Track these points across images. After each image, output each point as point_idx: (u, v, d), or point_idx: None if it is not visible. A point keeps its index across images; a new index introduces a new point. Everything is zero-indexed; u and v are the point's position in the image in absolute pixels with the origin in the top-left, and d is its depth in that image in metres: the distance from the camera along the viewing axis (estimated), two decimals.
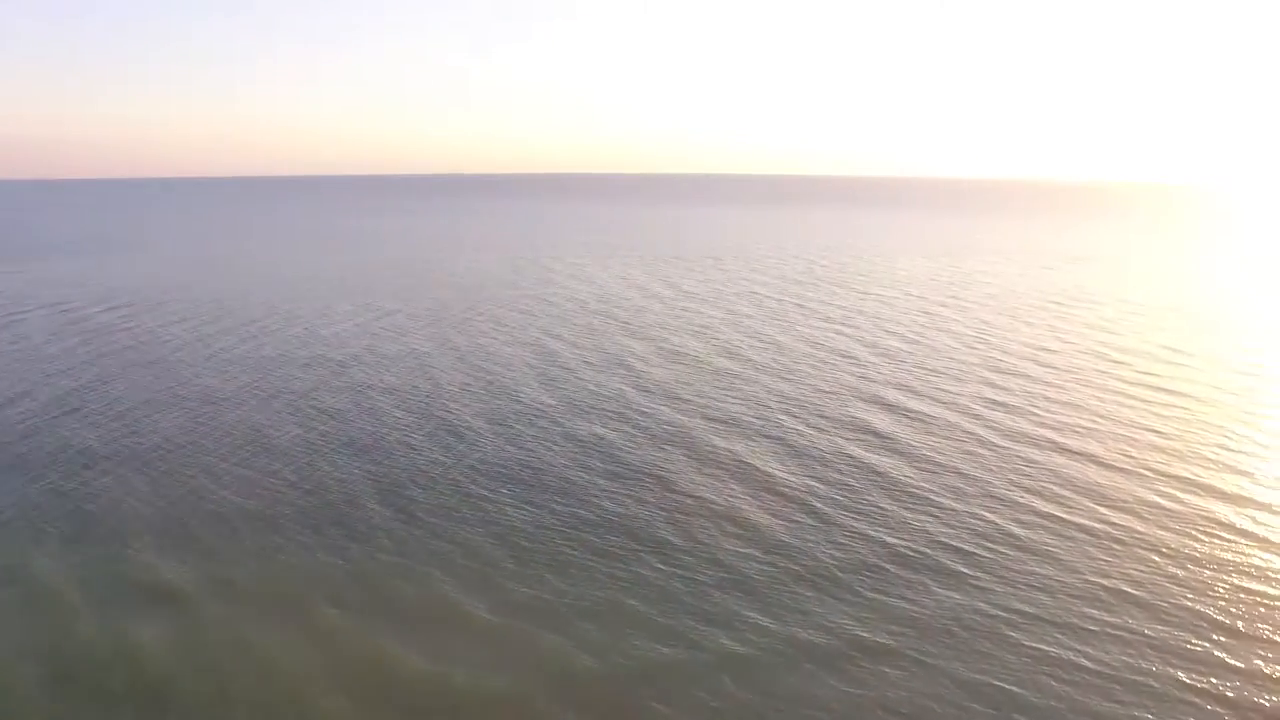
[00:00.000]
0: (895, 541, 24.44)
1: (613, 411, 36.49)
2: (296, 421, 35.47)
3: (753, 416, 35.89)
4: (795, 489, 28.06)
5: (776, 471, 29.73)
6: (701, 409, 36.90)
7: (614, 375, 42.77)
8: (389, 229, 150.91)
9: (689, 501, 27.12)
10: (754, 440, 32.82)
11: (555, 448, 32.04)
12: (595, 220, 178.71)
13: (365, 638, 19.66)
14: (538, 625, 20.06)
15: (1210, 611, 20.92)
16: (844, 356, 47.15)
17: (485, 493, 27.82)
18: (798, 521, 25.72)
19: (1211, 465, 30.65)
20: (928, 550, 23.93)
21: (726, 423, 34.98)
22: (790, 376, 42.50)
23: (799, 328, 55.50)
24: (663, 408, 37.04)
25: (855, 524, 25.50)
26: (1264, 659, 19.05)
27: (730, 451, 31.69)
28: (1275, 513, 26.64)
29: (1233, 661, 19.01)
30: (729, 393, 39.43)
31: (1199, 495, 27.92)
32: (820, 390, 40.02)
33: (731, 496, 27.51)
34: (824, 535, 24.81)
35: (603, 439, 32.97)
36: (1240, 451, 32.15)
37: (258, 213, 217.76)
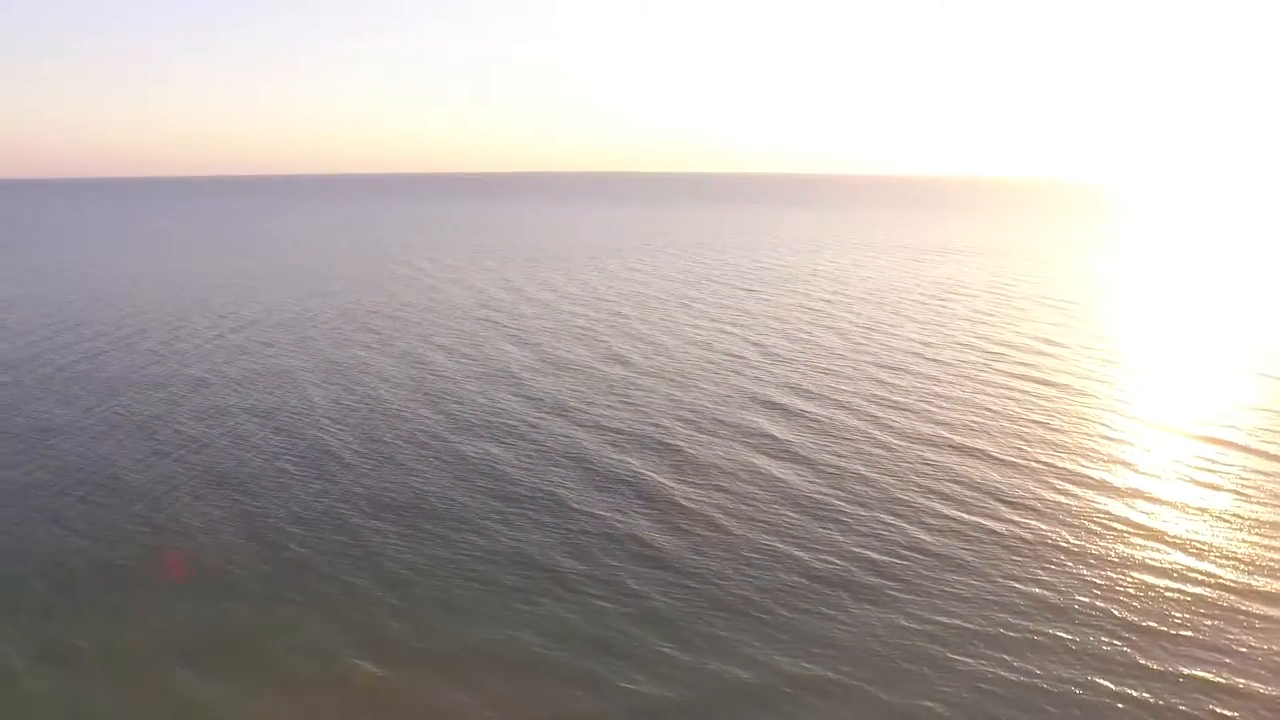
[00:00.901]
0: (805, 556, 23.48)
1: (500, 427, 34.53)
2: (148, 451, 32.03)
3: (646, 426, 34.57)
4: (698, 504, 26.84)
5: (677, 486, 28.44)
6: (593, 421, 35.35)
7: (499, 387, 40.74)
8: (271, 231, 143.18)
9: (588, 523, 25.51)
10: (651, 453, 31.48)
11: (441, 470, 29.87)
12: (496, 221, 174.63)
13: (228, 704, 17.22)
14: (431, 679, 18.04)
15: (1121, 612, 20.72)
16: (733, 358, 46.45)
17: (366, 524, 25.47)
18: (704, 539, 24.47)
19: (1098, 458, 31.09)
20: (839, 564, 23.07)
21: (620, 434, 33.55)
22: (681, 381, 41.42)
23: (685, 329, 54.60)
24: (553, 421, 35.30)
25: (764, 539, 24.44)
26: (1177, 657, 18.86)
27: (627, 466, 30.25)
28: (1161, 503, 27.02)
29: (1148, 663, 18.72)
30: (620, 401, 38.02)
31: (1091, 489, 28.14)
32: (712, 395, 39.07)
33: (633, 516, 26.05)
34: (733, 554, 23.63)
35: (491, 458, 30.98)
36: (1121, 441, 32.83)
37: (151, 214, 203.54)
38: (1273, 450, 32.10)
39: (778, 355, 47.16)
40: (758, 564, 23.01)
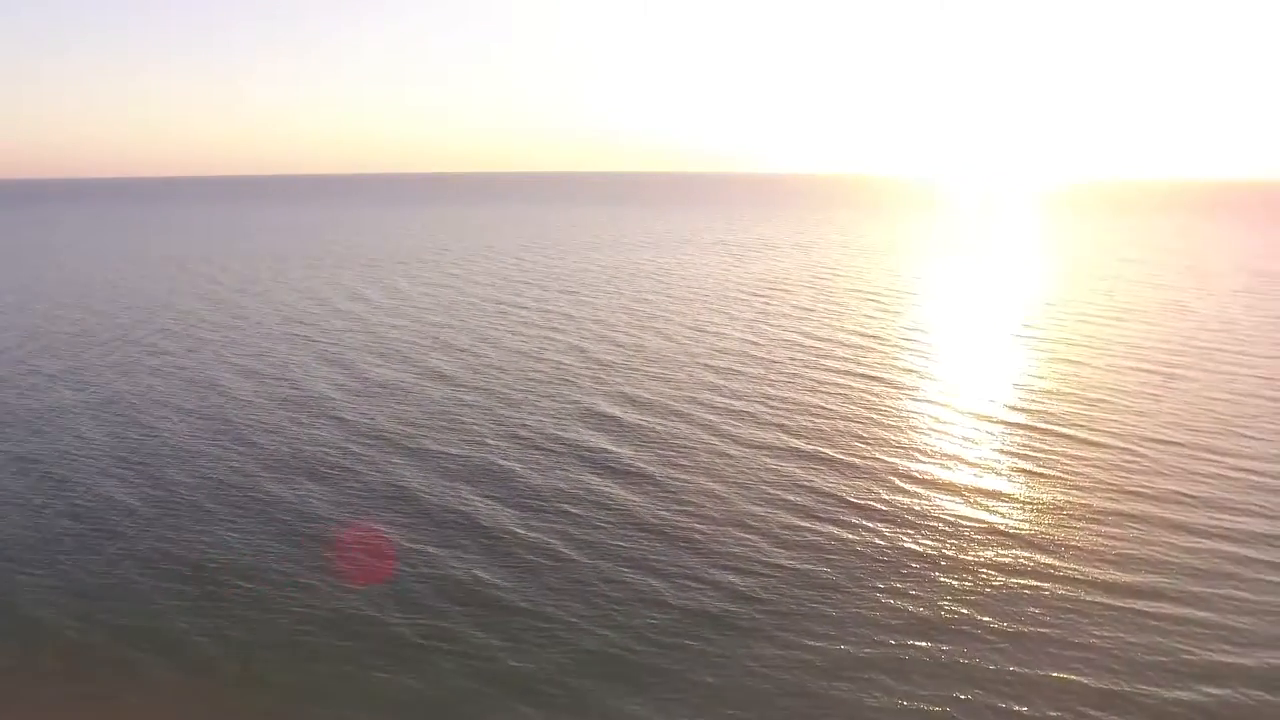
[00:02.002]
0: (661, 585, 21.94)
1: (312, 460, 31.09)
2: None
3: (476, 450, 32.08)
4: (540, 534, 24.77)
5: (515, 515, 26.27)
6: (417, 447, 32.54)
7: (309, 413, 36.99)
8: (53, 241, 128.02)
9: (421, 568, 22.91)
10: (483, 479, 29.03)
11: (244, 516, 26.29)
12: (337, 222, 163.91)
13: None
14: None
15: (983, 616, 20.36)
16: (560, 367, 44.50)
17: (156, 588, 21.78)
18: (550, 576, 22.45)
19: (933, 454, 31.38)
20: (698, 590, 21.67)
21: (447, 460, 30.93)
22: (507, 397, 39.01)
23: (507, 338, 52.11)
24: (372, 450, 32.14)
25: (615, 570, 22.70)
26: (1041, 658, 18.58)
27: (458, 496, 27.77)
28: (999, 497, 27.34)
29: (1023, 670, 18.35)
30: (445, 424, 35.26)
31: (932, 489, 28.19)
32: (542, 410, 36.97)
33: (470, 554, 23.66)
34: (583, 589, 21.75)
35: (303, 497, 27.66)
36: (951, 435, 33.38)
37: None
38: (1089, 436, 33.48)
39: (606, 362, 45.63)
40: (612, 599, 21.24)
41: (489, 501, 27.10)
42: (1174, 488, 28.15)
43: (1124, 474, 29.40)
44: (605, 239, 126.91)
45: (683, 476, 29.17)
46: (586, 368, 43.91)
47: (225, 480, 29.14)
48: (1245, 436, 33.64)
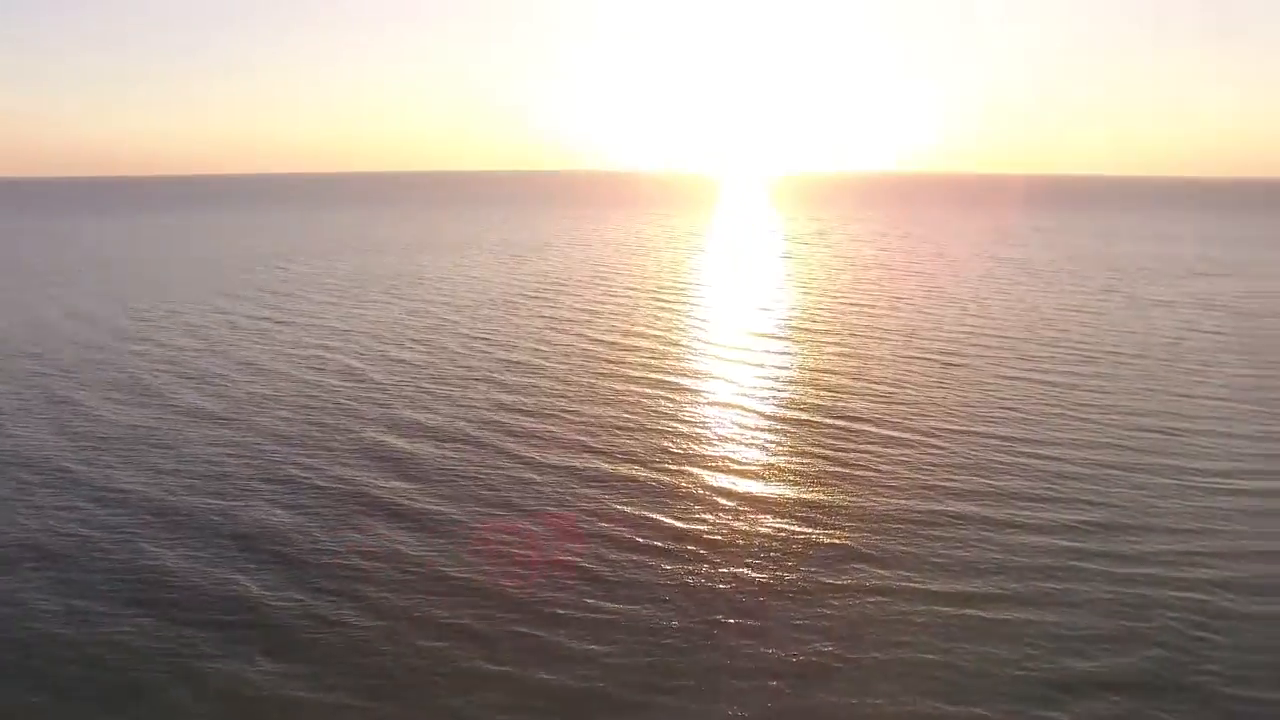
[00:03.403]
0: (480, 629, 18.98)
1: (69, 490, 25.29)
2: None
3: (235, 504, 27.40)
4: (332, 608, 20.95)
5: (294, 550, 22.61)
6: (185, 477, 27.58)
7: (61, 439, 30.49)
8: None
9: (178, 635, 18.60)
10: (250, 546, 24.58)
11: None
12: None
13: None
14: None
15: (831, 625, 18.89)
16: (331, 392, 39.65)
17: None
18: (345, 664, 18.84)
19: (743, 466, 30.13)
20: (524, 622, 18.95)
21: (217, 484, 26.19)
22: (273, 432, 33.88)
23: (272, 360, 46.36)
24: (112, 521, 26.67)
25: (430, 647, 19.38)
26: (881, 679, 17.29)
27: (231, 528, 23.52)
28: (822, 510, 26.33)
29: (857, 698, 16.95)
30: (198, 473, 30.00)
31: (751, 506, 26.82)
32: (315, 446, 32.43)
33: (243, 646, 19.54)
34: (383, 683, 18.34)
35: (59, 547, 22.19)
36: (759, 443, 32.34)
37: None
38: (891, 431, 33.46)
39: (384, 383, 41.16)
40: (407, 683, 17.98)
41: (266, 528, 22.82)
42: (984, 481, 28.29)
43: (929, 469, 29.34)
44: (384, 242, 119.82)
45: (485, 494, 26.27)
46: (364, 392, 39.44)
47: None
48: (1032, 422, 34.85)
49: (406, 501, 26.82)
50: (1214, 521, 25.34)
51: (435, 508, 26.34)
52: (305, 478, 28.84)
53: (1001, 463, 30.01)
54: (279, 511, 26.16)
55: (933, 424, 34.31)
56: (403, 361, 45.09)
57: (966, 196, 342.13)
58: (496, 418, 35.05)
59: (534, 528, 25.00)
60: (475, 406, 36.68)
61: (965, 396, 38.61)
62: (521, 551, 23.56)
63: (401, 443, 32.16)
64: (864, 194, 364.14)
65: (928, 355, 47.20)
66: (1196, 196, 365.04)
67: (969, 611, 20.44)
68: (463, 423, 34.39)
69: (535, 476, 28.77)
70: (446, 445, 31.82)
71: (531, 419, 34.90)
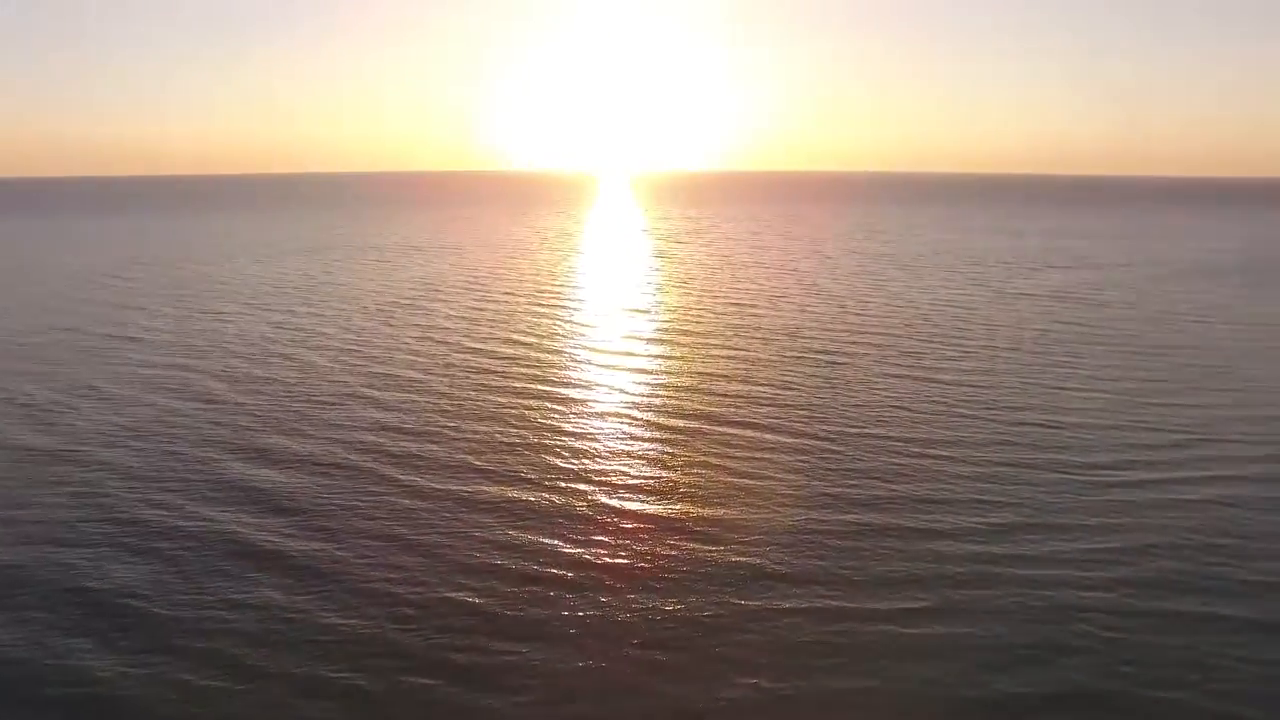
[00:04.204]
0: (365, 686, 16.92)
1: None
2: None
3: (95, 521, 24.40)
4: (186, 639, 18.43)
5: (147, 607, 20.02)
6: (12, 527, 24.14)
7: None
8: None
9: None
10: (106, 560, 21.67)
11: None
12: None
13: None
14: None
15: (750, 655, 17.72)
16: (187, 416, 36.17)
17: None
18: (210, 698, 16.48)
19: (642, 485, 28.83)
20: (413, 672, 16.99)
21: (51, 532, 22.98)
22: (117, 467, 30.30)
23: (115, 384, 42.03)
24: None
25: (288, 671, 17.19)
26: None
27: (71, 584, 20.57)
28: (729, 528, 25.26)
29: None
30: (49, 491, 26.54)
31: (649, 518, 25.51)
32: (171, 479, 29.27)
33: (86, 675, 16.88)
34: (262, 707, 16.11)
35: None
36: (656, 456, 31.12)
37: None
38: (790, 439, 32.79)
39: (248, 405, 37.85)
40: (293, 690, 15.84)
41: (113, 636, 19.95)
42: (885, 487, 27.83)
43: (829, 476, 28.71)
44: (250, 246, 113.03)
45: (363, 525, 23.94)
46: (225, 416, 36.08)
47: None
48: (922, 422, 34.84)
49: (277, 541, 24.26)
50: (1110, 516, 25.56)
51: (310, 546, 23.91)
52: (159, 519, 25.77)
53: (899, 467, 29.69)
54: (129, 561, 23.17)
55: (826, 428, 33.86)
56: (268, 380, 41.77)
57: (813, 192, 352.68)
58: (374, 440, 32.57)
59: (420, 562, 22.95)
60: (350, 428, 34.06)
61: (854, 397, 38.45)
62: (407, 591, 21.51)
63: (269, 474, 29.35)
64: (724, 191, 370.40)
65: (813, 354, 47.13)
66: (993, 191, 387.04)
67: (890, 629, 19.68)
68: (337, 448, 31.79)
69: (419, 504, 26.63)
70: (319, 474, 29.22)
71: (412, 440, 32.61)
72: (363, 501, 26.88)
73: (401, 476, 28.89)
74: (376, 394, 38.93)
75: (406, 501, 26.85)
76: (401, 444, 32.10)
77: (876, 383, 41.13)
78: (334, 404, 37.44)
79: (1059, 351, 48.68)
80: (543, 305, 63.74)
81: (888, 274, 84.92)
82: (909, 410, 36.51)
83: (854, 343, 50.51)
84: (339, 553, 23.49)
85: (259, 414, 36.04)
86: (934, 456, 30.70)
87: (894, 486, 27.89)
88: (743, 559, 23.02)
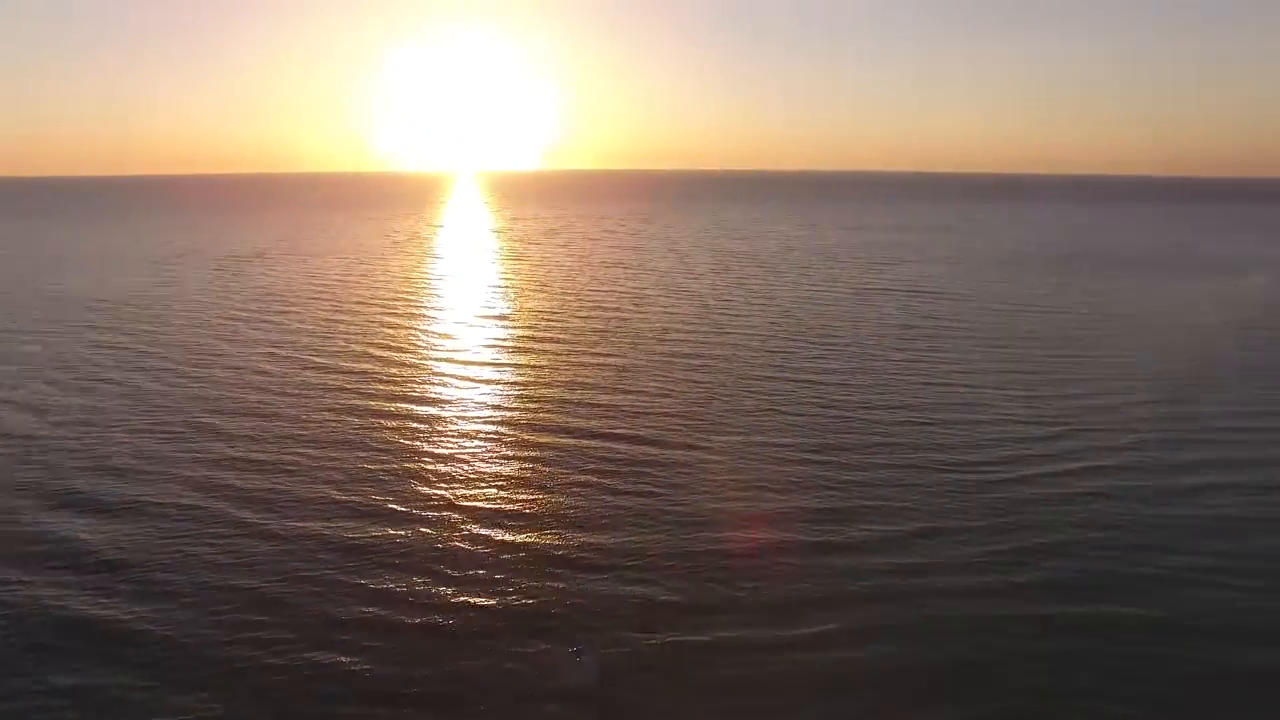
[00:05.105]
0: None
1: None
2: None
3: None
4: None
5: None
6: None
7: None
8: None
9: None
10: None
11: None
12: None
13: None
14: None
15: (657, 701, 16.25)
16: (13, 437, 31.82)
17: None
18: None
19: (519, 510, 26.96)
20: None
21: None
22: None
23: None
24: None
25: None
26: None
27: None
28: (613, 553, 23.75)
29: None
30: None
31: (535, 554, 23.69)
32: None
33: None
34: None
35: None
36: (535, 464, 29.28)
37: None
38: (680, 455, 31.57)
39: (68, 443, 33.58)
40: None
41: None
42: (776, 498, 26.94)
43: (715, 491, 27.61)
44: (71, 258, 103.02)
45: (208, 614, 21.00)
46: (36, 453, 31.67)
47: None
48: (801, 428, 34.33)
49: (102, 609, 21.03)
50: (998, 517, 25.51)
51: (142, 611, 20.82)
52: None
53: (784, 476, 28.93)
54: None
55: (705, 438, 32.84)
56: (90, 411, 37.20)
57: (653, 191, 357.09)
58: (217, 477, 29.21)
59: (277, 620, 20.35)
60: (189, 464, 30.51)
61: (728, 403, 37.65)
62: (265, 656, 18.94)
63: (91, 524, 25.65)
64: (570, 190, 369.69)
65: (683, 358, 46.22)
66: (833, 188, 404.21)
67: (802, 658, 18.66)
68: (174, 488, 28.34)
69: (273, 550, 23.83)
70: (153, 522, 25.81)
71: (261, 474, 29.46)
72: (206, 551, 23.83)
73: (252, 518, 25.89)
74: (219, 423, 35.24)
75: (259, 547, 24.00)
76: (250, 480, 28.95)
77: (749, 386, 40.54)
78: (170, 436, 33.60)
79: (921, 346, 49.63)
80: (399, 315, 60.43)
81: (746, 271, 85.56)
82: (785, 414, 36.00)
83: (722, 344, 49.99)
84: (179, 616, 20.55)
85: (78, 451, 31.84)
86: (818, 463, 30.13)
87: (783, 499, 27.07)
88: (634, 589, 21.54)
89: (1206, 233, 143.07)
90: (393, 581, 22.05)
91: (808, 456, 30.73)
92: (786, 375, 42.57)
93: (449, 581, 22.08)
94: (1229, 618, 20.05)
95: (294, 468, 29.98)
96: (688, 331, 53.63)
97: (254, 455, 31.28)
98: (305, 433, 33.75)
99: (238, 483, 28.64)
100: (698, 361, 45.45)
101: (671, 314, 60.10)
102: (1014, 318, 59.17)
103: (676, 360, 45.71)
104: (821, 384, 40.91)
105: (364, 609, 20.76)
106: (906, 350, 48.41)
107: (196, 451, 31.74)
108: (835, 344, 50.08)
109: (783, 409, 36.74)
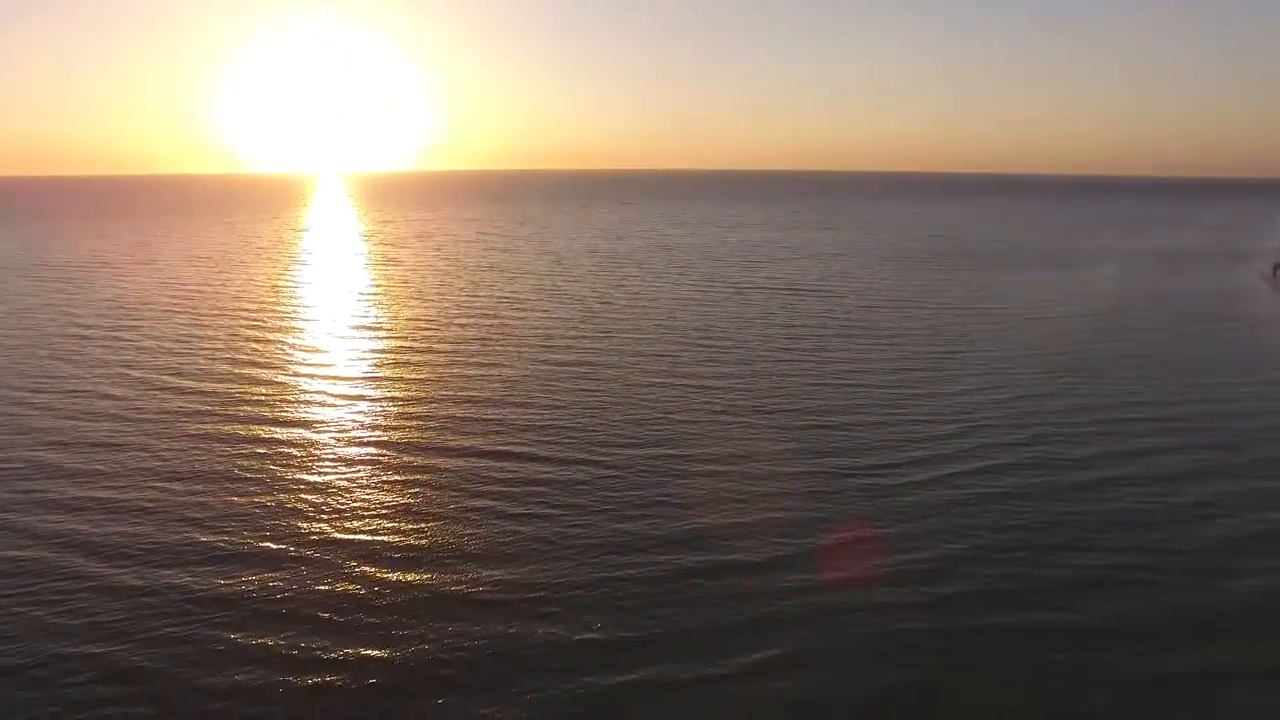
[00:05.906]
0: None
1: None
2: None
3: None
4: None
5: None
6: None
7: None
8: None
9: None
10: None
11: None
12: None
13: None
14: None
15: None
16: None
17: None
18: None
19: (416, 545, 24.89)
20: None
21: None
22: None
23: None
24: None
25: None
26: None
27: None
28: (524, 588, 22.05)
29: None
30: None
31: (438, 594, 21.74)
32: None
33: None
34: None
35: None
36: (428, 489, 27.20)
37: None
38: (561, 470, 30.00)
39: None
40: None
41: None
42: (684, 516, 25.73)
43: (625, 511, 26.25)
44: None
45: (54, 684, 18.20)
46: None
47: None
48: (704, 438, 33.31)
49: None
50: (909, 523, 25.07)
51: None
52: None
53: (686, 490, 27.80)
54: None
55: (601, 452, 31.41)
56: None
57: (524, 191, 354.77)
58: (61, 524, 25.85)
59: (133, 694, 17.76)
60: (25, 510, 26.93)
61: (621, 413, 36.33)
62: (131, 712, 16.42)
63: None
64: (439, 191, 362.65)
65: (569, 366, 44.69)
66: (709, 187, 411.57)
67: (732, 691, 17.46)
68: (5, 537, 24.89)
69: (128, 610, 20.95)
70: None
71: (113, 518, 26.20)
72: (47, 614, 20.78)
73: (103, 571, 22.85)
74: (61, 459, 31.45)
75: (112, 605, 21.11)
76: (98, 524, 25.72)
77: (640, 394, 39.35)
78: (18, 480, 29.76)
79: (807, 345, 49.62)
80: (265, 328, 56.46)
81: (624, 271, 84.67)
82: (680, 422, 34.98)
83: (608, 349, 48.69)
84: (19, 697, 17.66)
85: None
86: (720, 474, 29.18)
87: (690, 515, 25.91)
88: (542, 628, 19.90)
89: (1077, 229, 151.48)
90: (272, 637, 19.68)
91: (709, 468, 29.73)
92: (676, 380, 41.61)
93: (337, 632, 19.88)
94: (1153, 618, 20.01)
95: (151, 508, 26.86)
96: (572, 337, 52.08)
97: (102, 495, 27.92)
98: (163, 466, 30.49)
99: (84, 528, 25.39)
100: (584, 369, 43.99)
101: (553, 319, 58.41)
102: (900, 314, 60.15)
103: (563, 369, 44.12)
104: (712, 389, 40.12)
105: (240, 672, 18.36)
106: (793, 350, 48.30)
107: (33, 493, 28.11)
108: (720, 345, 49.54)
109: (674, 416, 35.71)
